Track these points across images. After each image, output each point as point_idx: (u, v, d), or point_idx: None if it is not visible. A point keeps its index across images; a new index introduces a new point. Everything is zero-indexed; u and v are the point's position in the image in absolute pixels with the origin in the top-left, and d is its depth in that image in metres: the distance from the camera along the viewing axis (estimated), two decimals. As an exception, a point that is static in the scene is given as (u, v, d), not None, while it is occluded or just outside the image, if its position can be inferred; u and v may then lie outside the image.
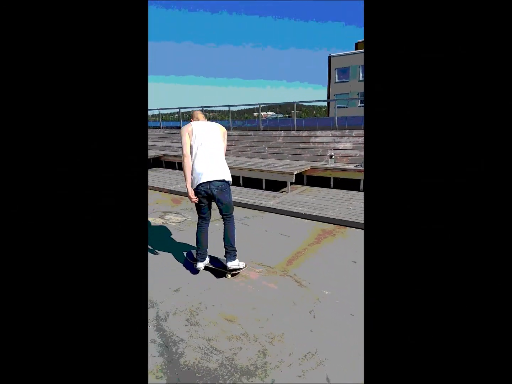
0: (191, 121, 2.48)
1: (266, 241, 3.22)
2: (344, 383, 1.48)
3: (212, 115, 11.12)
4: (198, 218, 2.51)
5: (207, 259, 2.59)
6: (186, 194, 2.49)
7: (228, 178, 2.39)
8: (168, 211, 4.34)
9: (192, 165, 2.33)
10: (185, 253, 2.90)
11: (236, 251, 2.46)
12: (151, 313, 2.07)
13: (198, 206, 2.44)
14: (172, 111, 10.37)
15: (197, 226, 2.51)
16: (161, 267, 2.70)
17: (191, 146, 2.34)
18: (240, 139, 7.03)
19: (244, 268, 2.51)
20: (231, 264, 2.43)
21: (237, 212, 4.17)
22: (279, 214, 4.04)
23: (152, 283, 2.42)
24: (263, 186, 5.27)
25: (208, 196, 2.37)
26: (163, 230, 3.60)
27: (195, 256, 2.57)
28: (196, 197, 2.36)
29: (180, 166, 6.81)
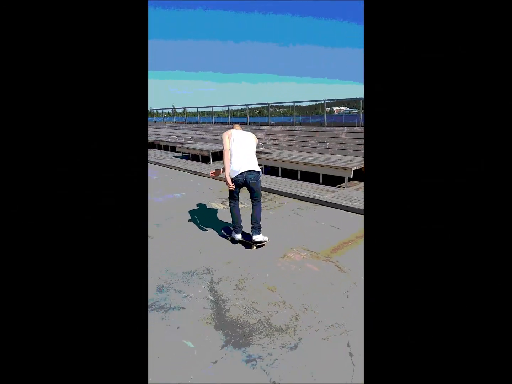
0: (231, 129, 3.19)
1: (315, 231, 3.40)
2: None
3: (282, 110, 11.31)
4: (231, 200, 3.11)
5: (241, 233, 3.13)
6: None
7: (259, 170, 3.02)
8: (229, 198, 4.81)
9: (230, 160, 2.96)
10: (222, 229, 3.47)
11: (260, 227, 3.02)
12: (207, 278, 2.47)
13: (232, 191, 3.04)
14: (240, 107, 10.98)
15: (231, 206, 3.14)
16: (218, 244, 3.13)
17: (229, 146, 3.00)
18: (302, 135, 7.20)
19: (267, 241, 3.04)
20: (256, 237, 3.00)
21: (291, 203, 4.44)
22: (332, 207, 4.16)
23: (209, 255, 2.88)
24: (320, 181, 5.40)
25: (242, 184, 2.98)
26: (223, 214, 4.05)
27: (232, 229, 3.20)
28: (233, 184, 2.95)
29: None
